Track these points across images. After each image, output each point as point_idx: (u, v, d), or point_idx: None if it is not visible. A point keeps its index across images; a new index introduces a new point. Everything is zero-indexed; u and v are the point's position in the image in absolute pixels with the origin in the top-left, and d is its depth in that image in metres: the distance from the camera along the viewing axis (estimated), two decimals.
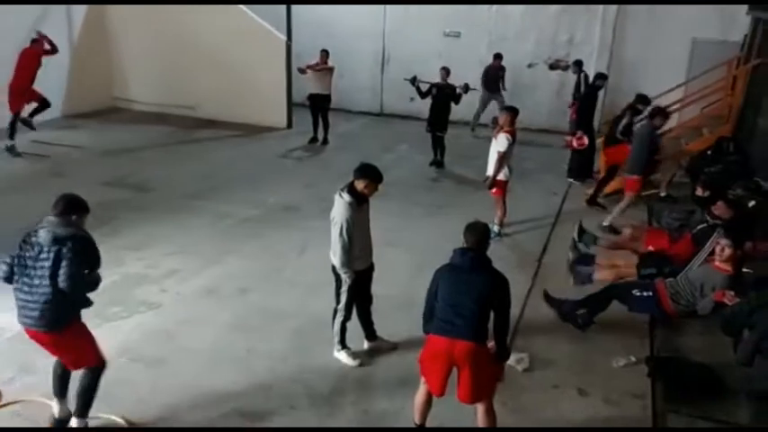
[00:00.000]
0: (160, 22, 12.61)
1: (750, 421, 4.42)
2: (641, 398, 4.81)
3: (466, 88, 10.60)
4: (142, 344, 5.25)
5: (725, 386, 4.82)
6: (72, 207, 3.95)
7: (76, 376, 4.15)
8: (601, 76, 10.51)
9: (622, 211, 8.08)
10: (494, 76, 12.52)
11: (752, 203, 6.97)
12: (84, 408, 4.11)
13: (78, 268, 3.81)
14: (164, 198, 8.59)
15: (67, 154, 10.34)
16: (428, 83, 10.55)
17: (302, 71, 11.44)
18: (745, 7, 11.22)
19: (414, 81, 10.58)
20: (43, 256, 3.78)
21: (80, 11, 12.62)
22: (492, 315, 3.91)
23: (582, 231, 7.00)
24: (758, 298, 4.68)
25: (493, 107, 12.30)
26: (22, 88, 9.91)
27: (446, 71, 10.45)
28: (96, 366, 4.10)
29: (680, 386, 4.87)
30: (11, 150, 10.04)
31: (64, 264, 3.74)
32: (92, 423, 4.20)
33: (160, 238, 7.24)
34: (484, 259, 3.95)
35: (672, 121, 11.26)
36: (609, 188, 9.10)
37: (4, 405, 4.43)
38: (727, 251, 5.18)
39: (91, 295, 4.03)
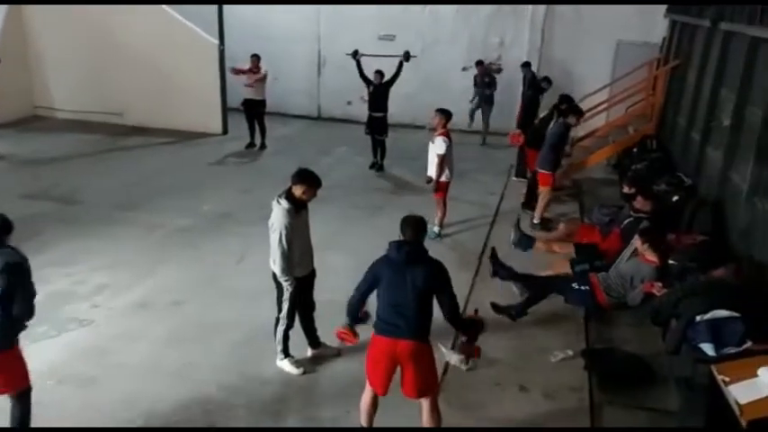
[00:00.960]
0: (83, 26, 12.12)
1: (679, 407, 4.61)
2: (579, 390, 4.95)
3: (407, 56, 10.53)
4: (72, 363, 5.02)
5: (656, 375, 5.03)
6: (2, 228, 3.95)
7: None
8: (546, 80, 10.75)
9: (544, 208, 8.31)
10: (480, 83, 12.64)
11: (675, 198, 7.30)
12: None
13: (30, 289, 3.82)
14: (91, 210, 8.24)
15: None
16: (367, 55, 10.52)
17: (236, 71, 11.23)
18: (663, 10, 11.79)
19: (355, 54, 10.53)
20: None
21: None
22: (437, 303, 3.94)
23: (519, 232, 7.13)
24: (683, 288, 4.90)
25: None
26: None
27: (380, 74, 10.49)
28: (27, 389, 3.97)
29: (614, 377, 5.05)
30: None
31: (17, 289, 3.73)
32: None
33: (89, 253, 6.94)
34: (419, 250, 3.96)
35: (600, 121, 11.74)
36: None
37: None
38: (640, 244, 5.42)
39: None
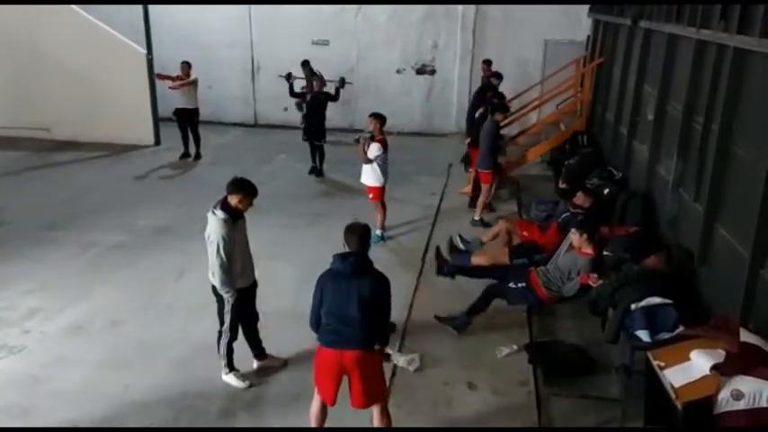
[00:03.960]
0: (7, 37, 11.54)
1: (620, 395, 4.77)
2: (525, 384, 5.05)
3: (342, 82, 10.66)
4: (4, 394, 4.76)
5: (597, 364, 5.19)
6: None
7: None
8: (496, 75, 10.85)
9: (484, 205, 8.47)
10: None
11: (606, 191, 7.56)
12: None
13: None
14: (18, 231, 7.85)
15: None
16: (303, 90, 10.51)
17: (160, 77, 10.97)
18: (586, 10, 12.21)
19: (289, 77, 10.57)
20: None
21: None
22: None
23: (453, 248, 7.09)
24: (618, 278, 5.07)
25: None
26: None
27: (320, 80, 10.44)
28: None
29: (558, 368, 5.18)
30: None
31: None
32: None
33: (17, 276, 6.61)
34: (365, 262, 3.95)
35: (532, 118, 12.04)
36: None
37: None
38: (577, 238, 5.59)
39: None
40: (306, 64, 11.79)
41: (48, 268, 6.85)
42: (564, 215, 6.71)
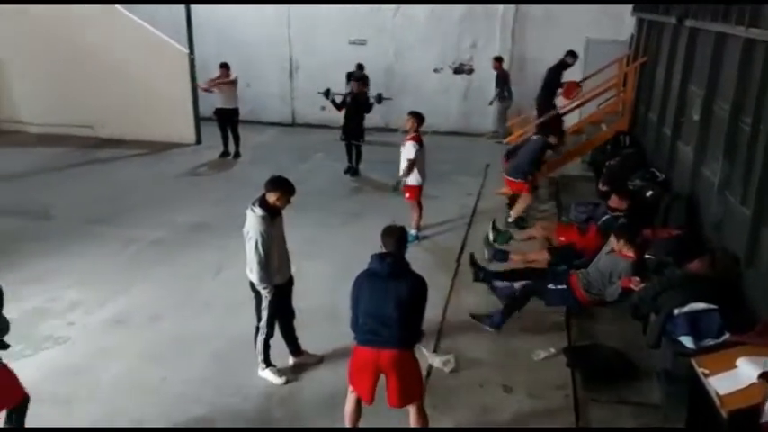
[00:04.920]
0: (49, 37, 11.88)
1: (661, 401, 4.65)
2: (562, 388, 4.96)
3: (379, 98, 10.67)
4: (49, 382, 4.88)
5: (638, 369, 5.07)
6: None
7: None
8: (571, 54, 10.66)
9: (522, 210, 8.34)
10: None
11: (649, 193, 7.38)
12: None
13: None
14: (63, 225, 8.07)
15: None
16: (341, 94, 10.54)
17: (206, 90, 11.17)
18: (630, 8, 11.96)
19: (327, 94, 10.59)
20: None
21: None
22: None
23: (496, 230, 7.19)
24: (661, 282, 4.94)
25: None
26: None
27: (363, 83, 10.45)
28: (22, 403, 3.96)
29: (597, 373, 5.07)
30: None
31: None
32: None
33: (62, 269, 6.79)
34: (402, 263, 3.94)
35: (574, 118, 11.84)
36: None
37: None
38: (620, 243, 5.47)
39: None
40: (360, 68, 12.12)
41: (90, 263, 7.02)
42: (604, 217, 6.58)
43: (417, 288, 3.90)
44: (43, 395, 4.70)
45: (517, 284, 6.01)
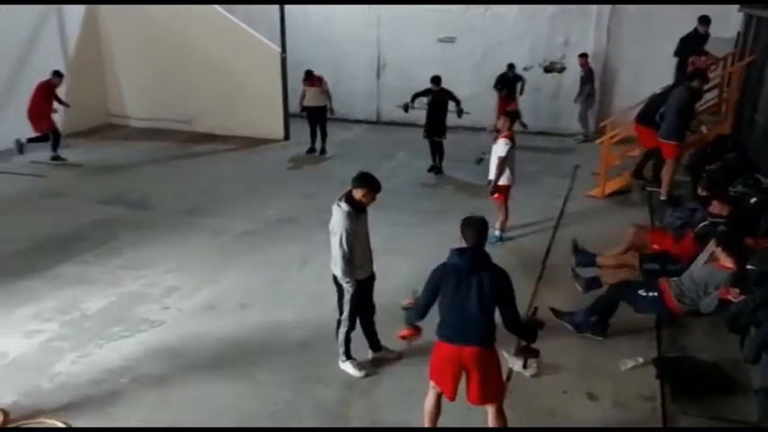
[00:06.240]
0: (154, 36, 12.62)
1: (759, 419, 4.36)
2: (651, 400, 4.76)
3: (459, 113, 10.37)
4: (145, 362, 5.20)
5: (733, 384, 4.78)
6: None
7: None
8: (704, 21, 10.11)
9: (670, 183, 7.92)
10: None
11: (753, 200, 6.92)
12: None
13: None
14: (162, 215, 8.54)
15: (64, 173, 10.31)
16: (422, 94, 10.50)
17: (302, 108, 11.55)
18: (735, 5, 11.25)
19: (406, 109, 10.62)
20: None
21: (74, 28, 12.62)
22: (498, 312, 3.86)
23: (577, 250, 6.83)
24: (762, 295, 4.63)
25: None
26: (33, 115, 10.40)
27: (437, 80, 10.38)
28: None
29: (688, 386, 4.83)
30: (57, 159, 10.69)
31: None
32: None
33: (159, 256, 7.19)
34: (483, 256, 3.88)
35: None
36: (613, 186, 9.07)
37: (13, 427, 4.39)
38: (721, 252, 5.15)
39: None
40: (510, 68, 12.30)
41: (185, 251, 7.39)
42: (702, 224, 6.22)
43: (499, 280, 3.83)
44: (139, 374, 5.02)
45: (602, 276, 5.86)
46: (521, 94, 12.57)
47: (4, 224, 8.02)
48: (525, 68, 13.24)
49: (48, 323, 5.72)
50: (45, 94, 10.46)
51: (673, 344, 5.47)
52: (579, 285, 6.18)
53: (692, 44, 10.34)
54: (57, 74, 10.64)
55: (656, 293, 5.38)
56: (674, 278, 5.51)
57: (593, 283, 6.07)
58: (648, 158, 9.16)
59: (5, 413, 4.45)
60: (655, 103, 8.84)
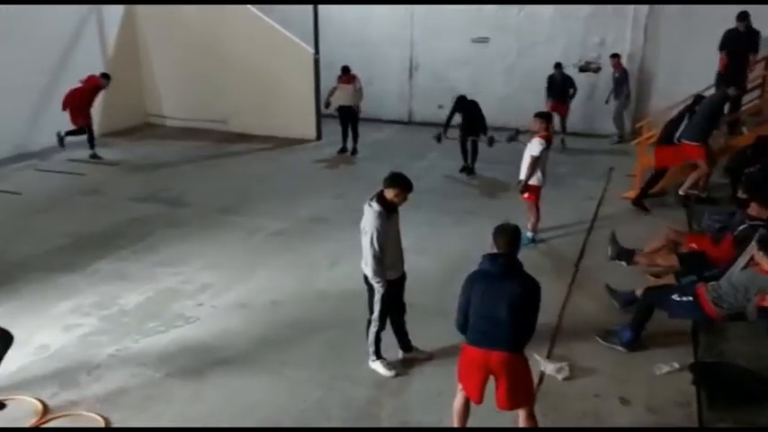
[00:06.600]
0: (190, 37, 12.85)
1: None
2: (685, 406, 4.66)
3: (491, 141, 10.23)
4: (179, 358, 5.30)
5: None
6: None
7: None
8: (742, 17, 9.93)
9: (697, 182, 7.80)
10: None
11: None
12: None
13: None
14: (197, 213, 8.69)
15: (103, 171, 10.57)
16: (450, 115, 10.51)
17: (327, 104, 11.61)
18: None
19: (439, 139, 10.61)
20: None
21: (113, 29, 12.93)
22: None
23: (615, 244, 6.75)
24: None
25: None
26: (75, 107, 10.69)
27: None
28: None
29: (725, 393, 4.71)
30: (94, 157, 10.97)
31: None
32: None
33: (194, 254, 7.31)
34: (515, 264, 3.87)
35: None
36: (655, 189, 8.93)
37: (52, 419, 4.52)
38: (762, 256, 5.01)
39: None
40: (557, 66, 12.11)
41: (219, 248, 7.51)
42: (741, 227, 6.07)
43: (530, 289, 3.82)
44: (174, 369, 5.12)
45: (638, 291, 5.73)
46: (571, 98, 12.15)
47: (46, 221, 8.27)
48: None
49: (87, 317, 5.88)
50: (91, 93, 10.75)
51: (709, 349, 5.34)
52: (616, 302, 6.08)
53: (734, 42, 10.07)
54: (105, 77, 10.93)
55: (690, 298, 5.25)
56: (712, 282, 5.39)
57: (630, 299, 5.97)
58: (652, 185, 8.90)
59: (44, 405, 4.59)
60: (673, 126, 8.72)
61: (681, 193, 7.72)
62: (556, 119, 11.79)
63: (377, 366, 5.10)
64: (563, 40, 13.04)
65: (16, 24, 10.67)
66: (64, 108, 10.60)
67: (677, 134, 8.62)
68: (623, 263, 6.54)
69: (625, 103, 12.37)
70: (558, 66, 12.09)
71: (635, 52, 12.57)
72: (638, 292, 5.88)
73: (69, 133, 10.83)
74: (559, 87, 12.06)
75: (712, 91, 10.94)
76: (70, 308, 6.05)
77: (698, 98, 8.90)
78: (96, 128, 11.19)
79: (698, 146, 7.56)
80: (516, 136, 7.57)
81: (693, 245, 6.51)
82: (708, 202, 8.49)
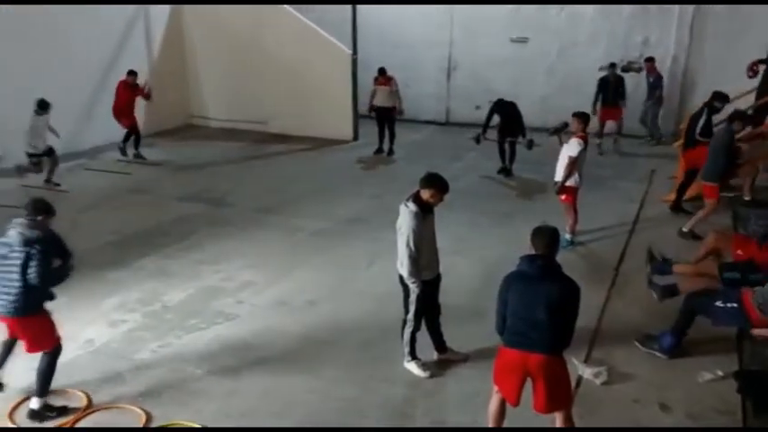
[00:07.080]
0: (232, 39, 13.08)
1: None
2: (727, 414, 4.56)
3: (530, 144, 10.21)
4: (219, 355, 5.41)
5: None
6: (39, 210, 4.43)
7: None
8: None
9: (702, 220, 7.71)
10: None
11: None
12: (42, 389, 4.53)
13: (46, 267, 4.30)
14: (238, 213, 8.86)
15: (148, 171, 10.85)
16: (488, 117, 10.48)
17: (371, 108, 11.70)
18: None
19: (478, 140, 10.58)
20: (14, 254, 4.25)
21: (159, 30, 13.23)
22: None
23: (652, 258, 6.46)
24: None
25: None
26: (117, 110, 11.02)
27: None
28: (52, 352, 4.54)
29: None
30: (138, 157, 11.26)
31: (33, 263, 4.22)
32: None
33: (235, 252, 7.46)
34: (554, 266, 3.85)
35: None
36: (690, 192, 8.73)
37: (95, 411, 4.67)
38: None
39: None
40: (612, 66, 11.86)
41: (260, 247, 7.64)
42: None
43: (569, 292, 3.79)
44: (214, 366, 5.23)
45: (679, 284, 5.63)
46: (622, 98, 11.74)
47: (94, 218, 8.53)
48: (601, 68, 12.85)
49: (131, 313, 6.06)
50: (125, 93, 10.98)
51: (755, 357, 5.21)
52: (655, 293, 5.96)
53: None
54: (130, 73, 11.03)
55: (735, 304, 5.12)
56: (758, 287, 5.24)
57: (669, 291, 5.85)
58: (685, 188, 8.70)
59: (88, 397, 4.76)
60: (693, 125, 8.62)
61: (684, 230, 7.59)
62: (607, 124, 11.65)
63: (412, 367, 5.13)
64: (604, 41, 12.85)
65: (68, 25, 10.96)
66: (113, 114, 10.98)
67: (696, 131, 8.45)
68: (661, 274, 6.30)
69: (655, 107, 12.05)
70: (612, 66, 11.75)
71: (680, 52, 12.28)
72: (679, 271, 5.79)
73: (125, 140, 11.16)
74: (613, 89, 11.66)
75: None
76: (116, 304, 6.23)
77: (716, 94, 8.66)
78: (141, 128, 11.48)
79: (713, 186, 7.49)
80: (564, 128, 7.53)
81: (740, 251, 6.32)
82: (754, 205, 8.27)
